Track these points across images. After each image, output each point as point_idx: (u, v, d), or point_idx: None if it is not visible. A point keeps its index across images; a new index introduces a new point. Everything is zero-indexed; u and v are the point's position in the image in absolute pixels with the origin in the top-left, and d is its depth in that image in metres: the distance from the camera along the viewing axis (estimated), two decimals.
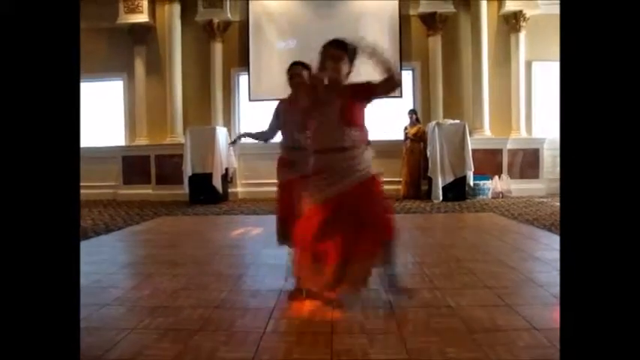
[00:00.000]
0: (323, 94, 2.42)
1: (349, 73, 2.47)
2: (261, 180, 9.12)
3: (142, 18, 9.22)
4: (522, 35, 8.94)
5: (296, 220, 2.53)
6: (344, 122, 2.36)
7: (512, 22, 8.99)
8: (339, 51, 2.40)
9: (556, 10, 8.32)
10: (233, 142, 3.93)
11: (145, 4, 9.20)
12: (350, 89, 2.41)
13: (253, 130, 3.42)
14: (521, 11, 8.84)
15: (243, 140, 3.46)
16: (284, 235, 2.92)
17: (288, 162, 3.01)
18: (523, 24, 8.89)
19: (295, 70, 3.01)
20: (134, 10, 9.23)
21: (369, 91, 2.40)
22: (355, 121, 2.40)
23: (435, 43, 9.14)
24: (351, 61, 2.45)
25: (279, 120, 3.13)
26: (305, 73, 2.95)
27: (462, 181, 7.91)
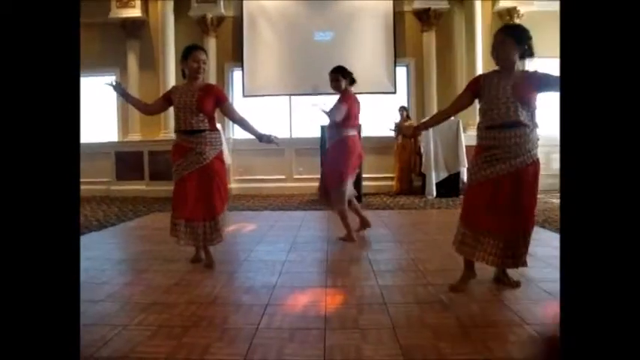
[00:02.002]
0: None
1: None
2: (255, 176, 9.13)
3: (135, 13, 9.15)
4: None
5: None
6: (515, 98, 2.48)
7: (506, 18, 9.00)
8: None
9: (550, 6, 8.34)
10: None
11: None
12: (527, 74, 2.57)
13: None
14: (515, 7, 8.86)
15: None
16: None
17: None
18: (517, 20, 8.88)
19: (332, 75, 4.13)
20: (127, 4, 9.16)
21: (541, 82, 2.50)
22: (526, 99, 2.49)
23: (429, 39, 9.15)
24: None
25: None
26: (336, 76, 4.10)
27: (455, 177, 7.94)
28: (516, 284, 2.69)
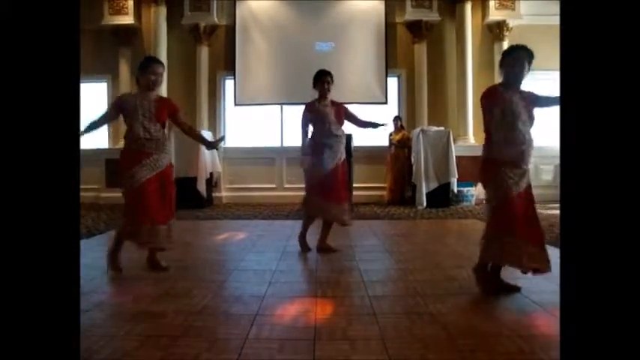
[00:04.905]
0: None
1: None
2: (246, 185, 9.10)
3: (127, 20, 9.15)
4: (506, 44, 9.05)
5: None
6: (530, 115, 2.69)
7: (495, 31, 9.15)
8: None
9: (538, 20, 8.51)
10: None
11: (131, 5, 9.14)
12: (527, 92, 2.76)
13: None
14: (504, 21, 9.02)
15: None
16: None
17: (324, 147, 3.91)
18: (506, 33, 9.05)
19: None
20: (119, 11, 9.16)
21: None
22: (533, 116, 2.72)
23: (421, 50, 9.25)
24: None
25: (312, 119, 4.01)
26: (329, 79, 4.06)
27: (445, 187, 7.98)
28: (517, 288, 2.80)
